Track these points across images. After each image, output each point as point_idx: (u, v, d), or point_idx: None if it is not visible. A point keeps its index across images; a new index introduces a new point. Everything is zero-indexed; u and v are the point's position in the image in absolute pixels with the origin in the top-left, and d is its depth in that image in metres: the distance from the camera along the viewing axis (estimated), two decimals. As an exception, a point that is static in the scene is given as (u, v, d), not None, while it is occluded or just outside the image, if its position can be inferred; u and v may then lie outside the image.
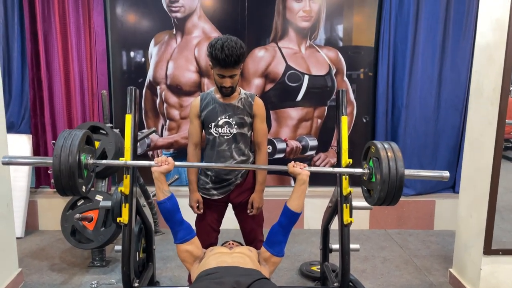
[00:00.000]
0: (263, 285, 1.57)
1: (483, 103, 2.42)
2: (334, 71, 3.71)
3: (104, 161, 1.94)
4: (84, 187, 1.80)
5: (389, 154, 1.77)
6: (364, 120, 3.82)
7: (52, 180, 3.29)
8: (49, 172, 3.22)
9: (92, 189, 3.15)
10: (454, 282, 2.71)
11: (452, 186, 3.84)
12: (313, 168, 1.97)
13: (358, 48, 3.72)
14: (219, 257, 1.77)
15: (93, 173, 1.92)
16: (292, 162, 1.94)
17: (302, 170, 1.88)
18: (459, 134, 3.70)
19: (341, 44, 3.71)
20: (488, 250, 2.40)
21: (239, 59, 2.00)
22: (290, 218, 1.87)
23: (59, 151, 1.68)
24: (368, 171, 1.89)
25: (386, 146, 1.81)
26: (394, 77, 3.66)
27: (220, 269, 1.65)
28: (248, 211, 2.27)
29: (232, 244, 2.05)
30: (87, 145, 1.84)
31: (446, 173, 1.87)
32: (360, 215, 3.68)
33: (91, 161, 1.82)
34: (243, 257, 1.79)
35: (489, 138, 2.34)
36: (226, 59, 1.95)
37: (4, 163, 1.82)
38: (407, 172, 1.81)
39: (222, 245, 2.10)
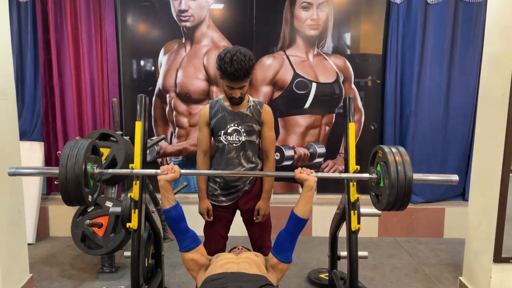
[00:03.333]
0: (268, 290, 1.57)
1: (492, 109, 2.42)
2: (341, 78, 3.73)
3: (110, 170, 1.96)
4: (90, 197, 1.81)
5: (396, 158, 1.76)
6: (372, 128, 3.83)
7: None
8: (55, 182, 3.27)
9: (102, 195, 3.20)
10: (464, 291, 2.69)
11: (461, 193, 3.82)
12: (320, 174, 1.98)
13: (366, 56, 3.74)
14: (225, 263, 1.78)
15: (99, 183, 1.94)
16: (299, 168, 1.93)
17: (309, 176, 1.88)
18: (468, 141, 3.69)
19: (348, 52, 3.74)
20: (498, 258, 2.38)
21: (248, 72, 2.01)
22: (297, 224, 1.87)
23: (65, 160, 1.70)
24: (376, 176, 1.89)
25: (393, 150, 1.81)
26: (402, 84, 3.66)
27: (226, 275, 1.66)
28: (254, 218, 2.29)
29: (241, 249, 2.06)
30: (93, 154, 1.86)
31: (455, 177, 1.87)
32: (369, 223, 3.66)
33: (97, 170, 1.84)
34: (250, 263, 1.80)
35: (497, 144, 2.33)
36: (235, 73, 1.97)
37: (10, 174, 1.84)
38: (416, 176, 1.80)
39: (230, 250, 2.11)
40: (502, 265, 2.40)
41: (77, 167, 1.66)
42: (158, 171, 1.88)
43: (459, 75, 3.58)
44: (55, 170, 1.73)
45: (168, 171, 1.86)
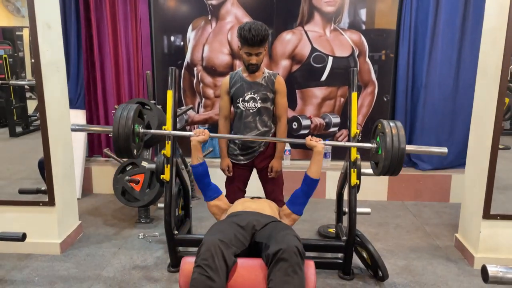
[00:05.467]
0: (278, 224, 1.95)
1: (487, 81, 2.65)
2: (357, 52, 3.97)
3: (152, 131, 2.38)
4: (135, 151, 2.23)
5: (393, 131, 2.06)
6: (385, 99, 4.07)
7: (104, 150, 3.81)
8: (109, 135, 3.70)
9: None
10: (459, 246, 2.98)
11: (468, 162, 4.04)
12: (327, 142, 2.31)
13: (380, 31, 3.95)
14: (244, 203, 2.17)
15: (142, 142, 2.35)
16: (309, 136, 2.27)
17: (317, 143, 2.21)
18: (475, 112, 3.87)
19: (364, 27, 3.96)
20: (487, 214, 2.66)
21: (264, 39, 2.36)
22: (310, 184, 2.21)
23: (117, 120, 2.11)
24: (376, 145, 2.20)
25: (391, 124, 2.11)
26: (415, 58, 3.87)
27: (244, 212, 2.05)
28: (268, 174, 2.65)
29: (257, 199, 2.44)
30: (138, 117, 2.26)
31: (444, 149, 2.15)
32: (379, 188, 3.97)
33: (141, 130, 2.25)
34: (265, 205, 2.18)
35: (490, 113, 2.57)
36: (253, 39, 2.32)
37: (73, 130, 2.27)
38: (409, 147, 2.10)
39: None
40: (490, 221, 2.67)
41: (127, 126, 2.06)
42: (191, 133, 2.27)
43: (469, 50, 3.74)
44: (109, 128, 2.14)
45: (200, 134, 2.23)
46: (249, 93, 2.52)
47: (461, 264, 2.79)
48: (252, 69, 2.47)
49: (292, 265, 1.63)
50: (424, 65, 3.81)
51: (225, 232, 1.78)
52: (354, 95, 2.46)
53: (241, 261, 1.73)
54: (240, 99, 2.54)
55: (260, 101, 2.52)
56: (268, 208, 2.17)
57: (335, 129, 4.13)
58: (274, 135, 2.66)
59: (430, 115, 3.90)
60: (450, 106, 3.88)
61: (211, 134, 2.30)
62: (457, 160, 3.97)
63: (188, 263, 1.71)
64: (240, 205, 2.16)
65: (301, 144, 2.32)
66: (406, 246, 3.06)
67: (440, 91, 3.85)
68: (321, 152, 2.21)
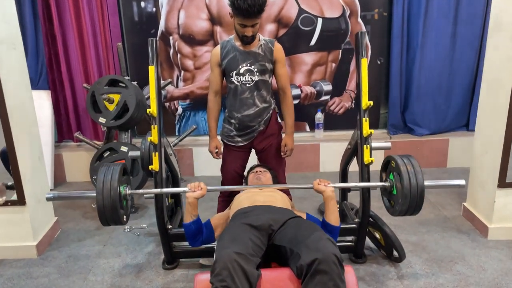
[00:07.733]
0: (299, 222, 1.68)
1: (502, 39, 2.41)
2: (348, 12, 3.65)
3: (140, 191, 2.05)
4: (125, 217, 1.90)
5: (409, 168, 1.85)
6: (379, 62, 3.81)
7: (75, 134, 3.43)
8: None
9: (115, 141, 3.27)
10: (468, 215, 2.84)
11: (465, 124, 3.89)
12: (337, 184, 2.07)
13: (373, -13, 3.64)
14: (251, 197, 1.89)
15: (131, 201, 2.00)
16: (317, 180, 2.02)
17: (326, 188, 1.95)
18: (473, 73, 3.69)
19: (355, -17, 3.63)
20: (503, 183, 2.49)
21: (261, 8, 1.99)
22: (331, 231, 1.94)
23: (101, 186, 1.76)
24: (389, 184, 1.97)
25: (405, 161, 1.89)
26: (410, 16, 3.60)
27: (255, 208, 1.76)
28: (282, 153, 2.40)
29: (260, 172, 2.16)
30: (124, 175, 1.92)
31: (462, 182, 1.97)
32: (374, 157, 3.75)
33: (129, 191, 1.92)
34: (274, 196, 1.90)
35: (507, 74, 2.35)
36: (249, 9, 1.95)
37: (49, 199, 1.90)
38: (427, 183, 1.88)
39: (249, 172, 2.22)
40: (506, 190, 2.51)
41: (112, 192, 1.75)
42: (186, 189, 1.93)
43: (467, 5, 3.51)
44: (91, 194, 1.81)
45: (196, 189, 1.89)
46: (244, 65, 2.19)
47: (474, 236, 2.64)
48: (247, 40, 2.13)
49: (333, 278, 1.38)
50: (420, 24, 3.55)
51: (239, 240, 1.49)
52: (364, 61, 2.16)
53: (266, 274, 1.46)
54: (234, 72, 2.21)
55: (258, 74, 2.20)
56: (279, 199, 1.91)
57: (327, 97, 3.86)
58: (275, 110, 2.36)
59: (426, 77, 3.68)
60: (447, 66, 3.67)
61: (209, 187, 1.94)
62: (455, 122, 3.83)
63: (202, 281, 1.42)
64: (246, 200, 1.88)
65: (308, 188, 2.07)
66: (413, 219, 2.89)
67: (437, 51, 3.62)
68: (332, 197, 1.96)
